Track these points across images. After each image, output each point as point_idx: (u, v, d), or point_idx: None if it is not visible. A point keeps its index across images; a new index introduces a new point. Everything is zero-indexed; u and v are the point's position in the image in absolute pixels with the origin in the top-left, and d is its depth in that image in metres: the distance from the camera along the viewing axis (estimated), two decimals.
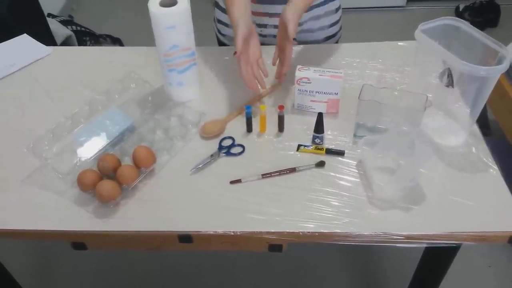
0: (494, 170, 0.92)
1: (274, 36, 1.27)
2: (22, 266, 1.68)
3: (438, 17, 0.99)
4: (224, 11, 1.28)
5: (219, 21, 1.32)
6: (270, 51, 1.26)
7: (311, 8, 1.22)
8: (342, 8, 1.31)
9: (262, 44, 1.28)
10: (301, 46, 1.27)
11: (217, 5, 1.30)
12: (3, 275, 1.33)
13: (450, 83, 0.94)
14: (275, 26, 1.24)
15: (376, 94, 0.96)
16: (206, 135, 1.02)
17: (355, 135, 1.01)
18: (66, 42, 2.66)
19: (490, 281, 1.61)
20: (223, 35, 1.34)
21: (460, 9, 3.04)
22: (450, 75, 0.93)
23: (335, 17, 1.29)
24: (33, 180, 0.93)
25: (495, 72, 0.87)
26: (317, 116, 0.96)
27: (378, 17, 3.12)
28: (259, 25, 1.25)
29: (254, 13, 1.21)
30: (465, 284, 1.58)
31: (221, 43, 1.38)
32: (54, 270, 1.71)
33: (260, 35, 1.27)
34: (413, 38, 1.00)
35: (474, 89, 0.92)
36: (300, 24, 1.25)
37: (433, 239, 0.83)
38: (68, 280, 1.67)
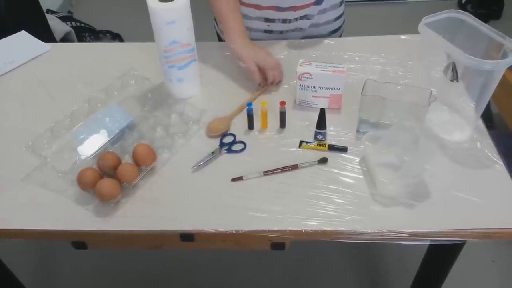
0: (499, 166, 0.91)
1: (281, 32, 1.26)
2: (23, 264, 1.68)
3: (441, 9, 0.97)
4: None
5: None
6: (275, 46, 1.25)
7: (318, 1, 1.20)
8: (344, 1, 1.29)
9: (268, 39, 1.26)
10: (302, 40, 1.26)
11: None
12: (4, 273, 1.33)
13: (455, 78, 0.92)
14: (283, 21, 1.22)
15: (379, 89, 0.95)
16: (213, 134, 1.00)
17: (358, 131, 0.99)
18: (65, 38, 2.64)
19: (493, 276, 1.60)
20: None
21: (463, 1, 3.01)
22: (454, 69, 0.91)
23: (340, 11, 1.28)
24: (33, 179, 0.93)
25: (501, 66, 0.85)
26: (319, 112, 0.95)
27: (380, 10, 3.10)
28: (267, 20, 1.23)
29: (263, 7, 1.19)
30: (469, 279, 1.57)
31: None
32: (55, 268, 1.70)
33: (266, 31, 1.26)
34: (415, 32, 0.99)
35: (479, 83, 0.91)
36: (309, 18, 1.23)
37: (437, 236, 0.82)
38: (69, 278, 1.67)
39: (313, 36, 1.27)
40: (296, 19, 1.22)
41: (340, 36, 1.33)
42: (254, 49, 1.09)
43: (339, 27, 1.31)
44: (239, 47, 1.09)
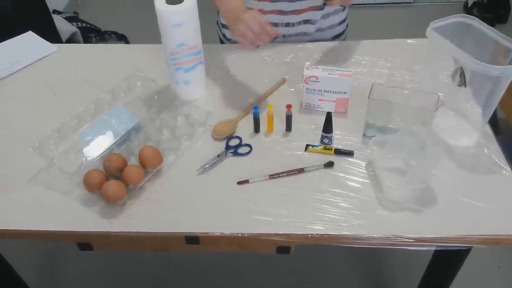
0: (506, 171, 0.90)
1: (284, 36, 1.26)
2: (28, 266, 1.68)
3: (446, 13, 0.97)
4: None
5: (224, 26, 1.30)
6: (280, 49, 1.25)
7: (322, 7, 1.20)
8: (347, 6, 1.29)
9: (271, 43, 1.26)
10: (309, 44, 1.26)
11: None
12: (9, 274, 1.33)
13: (463, 83, 0.92)
14: (286, 24, 1.22)
15: (386, 93, 0.94)
16: (218, 136, 1.00)
17: (364, 135, 0.99)
18: (71, 39, 2.65)
19: (499, 283, 1.59)
20: (228, 39, 1.32)
21: (469, 5, 3.00)
22: (462, 74, 0.91)
23: (343, 15, 1.28)
24: (39, 180, 0.93)
25: (509, 72, 0.85)
26: (326, 116, 0.95)
27: (385, 14, 3.09)
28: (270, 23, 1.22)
29: (266, 11, 1.19)
30: (474, 285, 1.56)
31: None
32: (60, 269, 1.70)
33: None
34: (421, 35, 0.99)
35: (486, 88, 0.90)
36: (312, 23, 1.23)
37: (444, 242, 0.81)
38: (75, 280, 1.67)
39: (316, 41, 1.27)
40: (299, 23, 1.22)
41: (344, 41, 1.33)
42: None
43: (342, 32, 1.31)
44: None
